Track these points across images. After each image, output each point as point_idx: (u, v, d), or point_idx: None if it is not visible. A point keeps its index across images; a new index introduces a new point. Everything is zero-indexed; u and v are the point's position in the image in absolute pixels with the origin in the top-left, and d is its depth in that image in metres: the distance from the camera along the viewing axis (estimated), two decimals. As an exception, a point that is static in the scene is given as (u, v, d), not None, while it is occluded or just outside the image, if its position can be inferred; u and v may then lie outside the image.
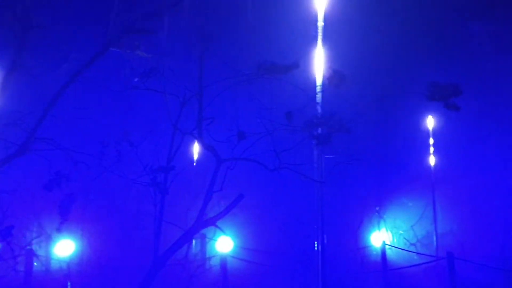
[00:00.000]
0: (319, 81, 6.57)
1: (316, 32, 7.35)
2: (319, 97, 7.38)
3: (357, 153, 9.73)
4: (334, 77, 6.42)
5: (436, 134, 14.28)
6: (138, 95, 6.49)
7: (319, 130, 6.15)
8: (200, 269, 9.47)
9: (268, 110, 6.29)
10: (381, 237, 13.42)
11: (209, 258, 10.66)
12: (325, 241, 8.83)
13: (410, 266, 12.28)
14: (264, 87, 6.44)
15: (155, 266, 5.91)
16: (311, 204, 8.62)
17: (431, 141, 14.33)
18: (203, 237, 10.79)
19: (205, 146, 6.18)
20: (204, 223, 6.25)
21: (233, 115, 6.41)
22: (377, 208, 14.12)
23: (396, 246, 13.62)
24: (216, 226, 6.41)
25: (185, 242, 6.16)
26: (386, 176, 13.87)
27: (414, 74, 11.04)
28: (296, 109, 6.06)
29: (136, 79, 6.57)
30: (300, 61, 6.21)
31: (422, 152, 14.37)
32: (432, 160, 14.33)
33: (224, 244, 10.31)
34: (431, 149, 14.32)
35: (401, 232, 14.37)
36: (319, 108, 6.82)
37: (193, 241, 9.56)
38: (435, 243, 13.82)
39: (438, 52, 12.37)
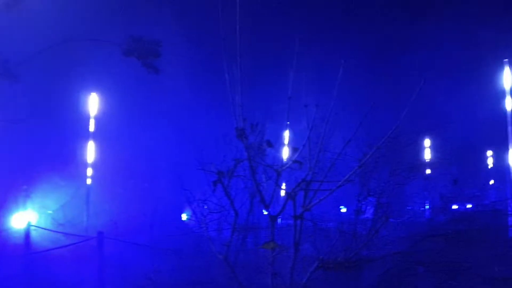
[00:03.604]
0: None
1: None
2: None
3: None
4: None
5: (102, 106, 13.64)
6: None
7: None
8: None
9: None
10: (26, 218, 12.09)
11: None
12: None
13: (58, 248, 11.55)
14: None
15: None
16: None
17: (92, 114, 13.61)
18: None
19: None
20: None
21: None
22: (25, 187, 12.59)
23: (43, 227, 12.54)
24: None
25: None
26: (37, 149, 12.47)
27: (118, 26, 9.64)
28: None
29: None
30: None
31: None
32: (93, 136, 13.77)
33: None
34: (92, 123, 13.67)
35: (49, 212, 13.33)
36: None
37: None
38: (86, 223, 13.41)
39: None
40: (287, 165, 4.18)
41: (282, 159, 4.37)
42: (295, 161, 4.36)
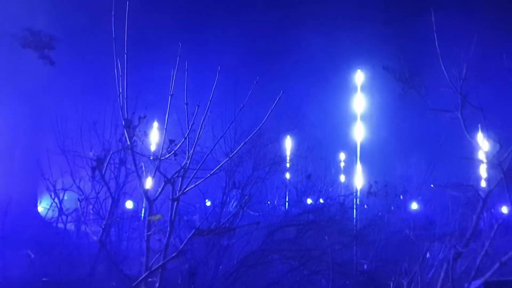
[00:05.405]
0: None
1: None
2: None
3: None
4: None
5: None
6: None
7: None
8: None
9: None
10: None
11: None
12: None
13: None
14: None
15: None
16: None
17: None
18: None
19: None
20: None
21: None
22: None
23: None
24: None
25: None
26: None
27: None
28: None
29: None
30: None
31: None
32: None
33: None
34: None
35: None
36: None
37: None
38: None
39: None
40: (167, 155, 4.54)
41: (161, 149, 4.69)
42: (173, 152, 4.73)
